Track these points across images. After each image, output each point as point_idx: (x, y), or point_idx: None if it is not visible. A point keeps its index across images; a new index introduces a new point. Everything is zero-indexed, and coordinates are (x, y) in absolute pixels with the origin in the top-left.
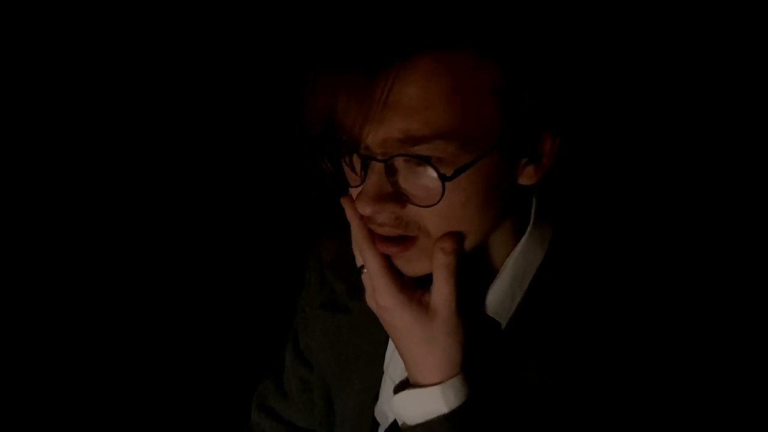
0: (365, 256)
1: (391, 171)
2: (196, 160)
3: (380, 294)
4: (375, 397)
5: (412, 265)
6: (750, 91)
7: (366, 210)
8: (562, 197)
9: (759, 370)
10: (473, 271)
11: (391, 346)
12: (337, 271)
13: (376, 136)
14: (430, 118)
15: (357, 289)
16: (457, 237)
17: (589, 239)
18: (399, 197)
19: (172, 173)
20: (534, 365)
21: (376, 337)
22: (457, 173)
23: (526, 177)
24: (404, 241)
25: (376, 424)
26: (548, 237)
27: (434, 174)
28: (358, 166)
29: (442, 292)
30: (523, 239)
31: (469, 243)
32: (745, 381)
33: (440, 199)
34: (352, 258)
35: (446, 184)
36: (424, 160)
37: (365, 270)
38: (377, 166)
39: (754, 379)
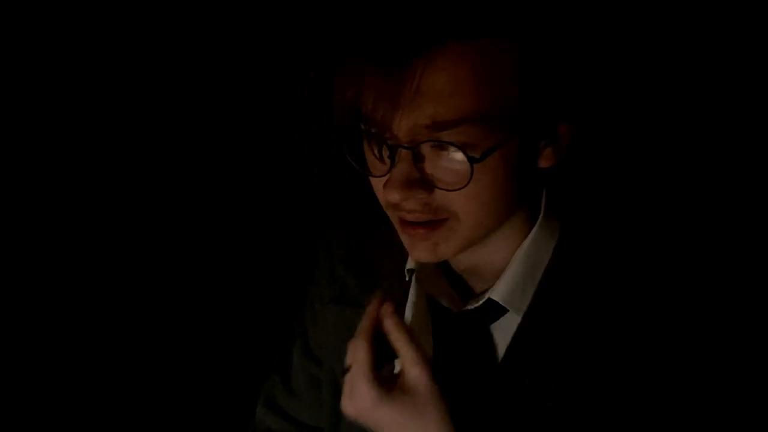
0: (357, 348)
1: (418, 158)
2: (203, 157)
3: (357, 395)
4: None
5: (439, 248)
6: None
7: (395, 197)
8: (569, 191)
9: None
10: (484, 259)
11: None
12: (349, 265)
13: (405, 124)
14: (457, 104)
15: (369, 283)
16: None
17: (598, 231)
18: (426, 183)
19: (179, 171)
20: (553, 362)
21: None
22: (484, 155)
23: (545, 159)
24: (432, 224)
25: None
26: (557, 229)
27: (463, 158)
28: (385, 154)
29: (412, 360)
30: (534, 230)
31: (489, 226)
32: (760, 379)
33: (468, 182)
34: (365, 253)
35: (474, 166)
36: (453, 145)
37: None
38: (405, 154)
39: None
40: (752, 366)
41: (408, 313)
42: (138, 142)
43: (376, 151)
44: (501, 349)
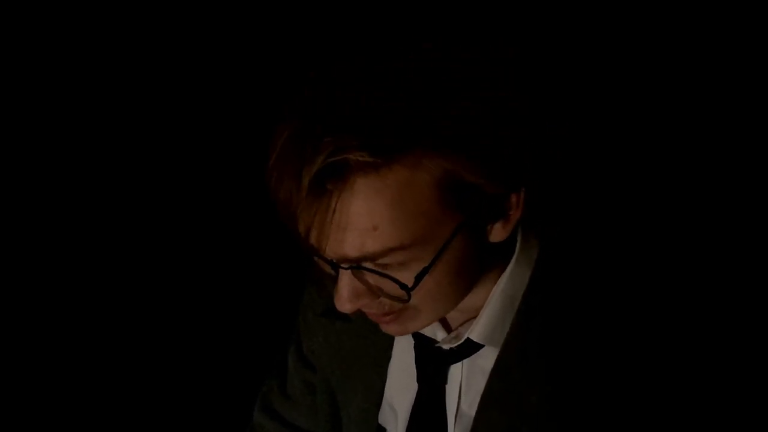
0: None
1: (358, 275)
2: (202, 160)
3: None
4: (379, 403)
5: (407, 326)
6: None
7: (345, 308)
8: (547, 214)
9: (761, 376)
10: (462, 305)
11: (394, 352)
12: None
13: (336, 252)
14: (380, 236)
15: None
16: None
17: (574, 252)
18: (373, 292)
19: (176, 174)
20: (536, 387)
21: (378, 344)
22: (418, 280)
23: (496, 235)
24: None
25: (382, 430)
26: (535, 252)
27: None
28: (329, 268)
29: None
30: (510, 266)
31: (454, 304)
32: (748, 393)
33: (409, 298)
34: None
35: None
36: (384, 275)
37: None
38: (344, 271)
39: (757, 387)
40: (742, 379)
41: (396, 343)
42: (137, 144)
43: (321, 263)
44: (482, 379)
